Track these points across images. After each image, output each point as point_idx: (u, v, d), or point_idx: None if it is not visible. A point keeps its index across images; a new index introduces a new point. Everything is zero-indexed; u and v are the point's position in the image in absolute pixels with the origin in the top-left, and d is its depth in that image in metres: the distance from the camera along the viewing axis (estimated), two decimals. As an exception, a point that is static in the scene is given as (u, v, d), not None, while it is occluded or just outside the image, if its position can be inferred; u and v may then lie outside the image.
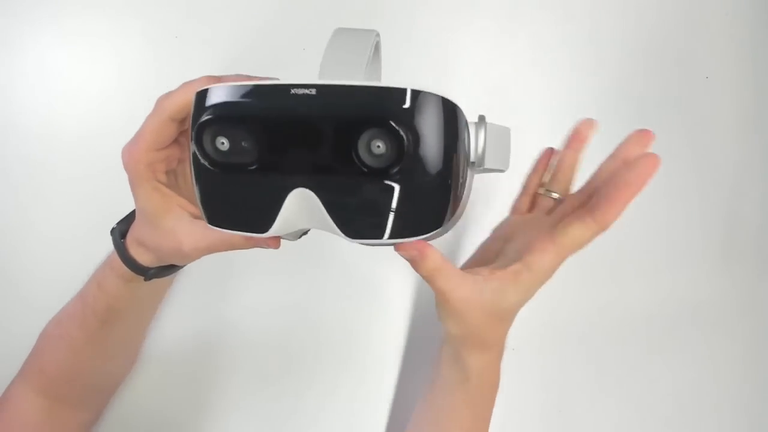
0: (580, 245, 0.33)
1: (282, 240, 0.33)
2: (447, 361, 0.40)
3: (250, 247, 0.34)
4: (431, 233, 0.29)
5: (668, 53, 0.63)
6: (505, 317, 0.36)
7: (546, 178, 0.43)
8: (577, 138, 0.41)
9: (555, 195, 0.41)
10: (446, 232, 0.31)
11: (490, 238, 0.42)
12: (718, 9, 0.64)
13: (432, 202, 0.28)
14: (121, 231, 0.38)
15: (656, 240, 0.61)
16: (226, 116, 0.28)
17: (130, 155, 0.33)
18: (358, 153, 0.27)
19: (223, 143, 0.28)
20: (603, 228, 0.31)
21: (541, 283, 0.34)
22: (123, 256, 0.37)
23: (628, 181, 0.30)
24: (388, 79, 0.32)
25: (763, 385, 0.62)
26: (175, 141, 0.35)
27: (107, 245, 0.39)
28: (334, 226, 0.28)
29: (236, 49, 0.56)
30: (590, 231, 0.32)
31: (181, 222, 0.35)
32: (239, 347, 0.53)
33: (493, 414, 0.42)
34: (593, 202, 0.32)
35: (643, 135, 0.36)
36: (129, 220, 0.39)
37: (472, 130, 0.30)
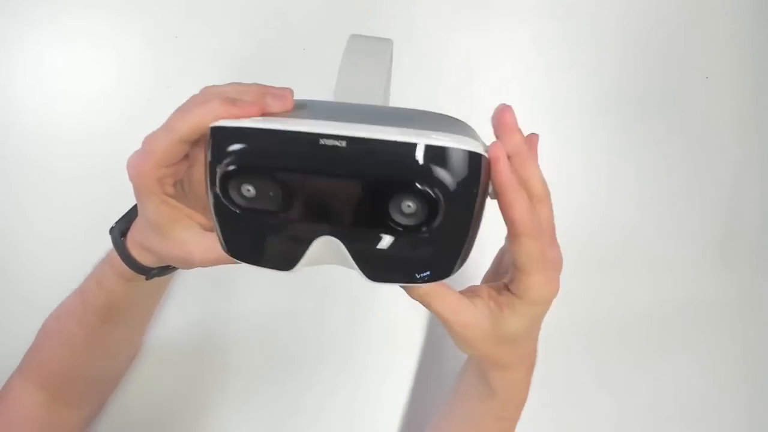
0: (545, 260, 0.29)
1: None
2: (472, 374, 0.39)
3: None
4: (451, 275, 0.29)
5: (668, 53, 0.63)
6: (514, 341, 0.32)
7: None
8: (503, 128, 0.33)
9: None
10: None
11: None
12: (718, 9, 0.64)
13: (456, 245, 0.28)
14: (120, 230, 0.38)
15: (656, 240, 0.60)
16: (253, 167, 0.27)
17: (137, 170, 0.31)
18: (389, 213, 0.27)
19: (249, 190, 0.28)
20: (524, 226, 0.28)
21: (543, 310, 0.31)
22: (124, 256, 0.37)
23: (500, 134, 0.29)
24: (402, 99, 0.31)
25: (763, 385, 0.62)
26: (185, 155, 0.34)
27: (107, 245, 0.39)
28: (358, 269, 0.29)
29: (236, 49, 0.56)
30: (523, 241, 0.29)
31: (191, 233, 0.34)
32: (239, 346, 0.53)
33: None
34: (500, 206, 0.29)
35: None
36: (128, 218, 0.38)
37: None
